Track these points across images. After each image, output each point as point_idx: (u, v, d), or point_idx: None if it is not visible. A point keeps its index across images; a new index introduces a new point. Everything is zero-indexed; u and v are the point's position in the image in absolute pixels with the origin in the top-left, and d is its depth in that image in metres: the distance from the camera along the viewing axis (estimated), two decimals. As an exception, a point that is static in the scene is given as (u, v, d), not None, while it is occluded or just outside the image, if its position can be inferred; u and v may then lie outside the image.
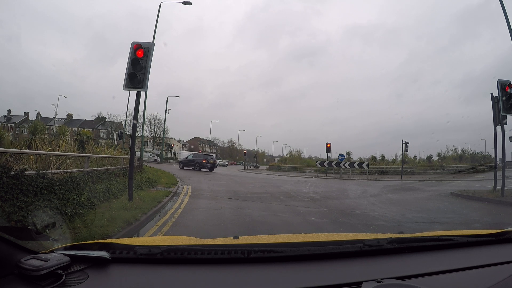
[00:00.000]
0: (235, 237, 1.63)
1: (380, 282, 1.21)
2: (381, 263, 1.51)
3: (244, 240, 1.64)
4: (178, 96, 53.95)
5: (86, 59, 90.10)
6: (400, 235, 1.73)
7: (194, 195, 10.51)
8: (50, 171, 6.99)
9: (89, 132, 17.83)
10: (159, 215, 6.80)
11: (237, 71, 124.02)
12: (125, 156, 14.31)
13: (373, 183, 21.15)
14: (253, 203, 9.15)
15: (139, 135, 27.23)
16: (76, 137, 16.75)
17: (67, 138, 16.05)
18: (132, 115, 9.83)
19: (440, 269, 1.43)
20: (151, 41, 8.34)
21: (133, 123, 7.26)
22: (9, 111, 63.38)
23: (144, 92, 7.00)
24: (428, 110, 76.10)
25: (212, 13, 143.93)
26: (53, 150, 9.93)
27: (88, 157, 8.83)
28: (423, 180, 25.24)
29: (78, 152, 12.30)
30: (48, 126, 42.45)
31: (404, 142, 30.01)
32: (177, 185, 12.96)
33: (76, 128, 50.53)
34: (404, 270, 1.41)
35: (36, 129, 13.42)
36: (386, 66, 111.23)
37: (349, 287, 1.24)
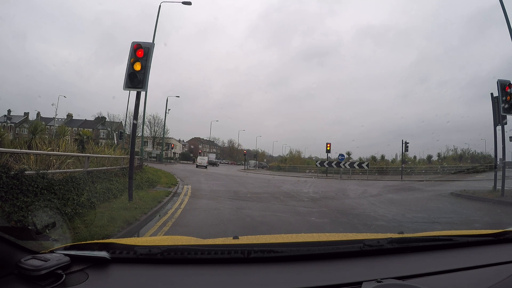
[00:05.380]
0: (235, 237, 1.63)
1: (380, 282, 1.20)
2: (381, 263, 1.51)
3: (244, 240, 1.64)
4: (178, 96, 53.60)
5: (91, 58, 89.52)
6: (400, 235, 1.73)
7: (194, 195, 10.53)
8: (50, 171, 6.99)
9: (89, 132, 17.80)
10: (159, 215, 6.80)
11: (246, 71, 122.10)
12: (125, 156, 14.22)
13: (373, 183, 21.15)
14: (253, 203, 9.16)
15: (139, 135, 27.20)
16: (76, 137, 16.69)
17: (67, 138, 16.04)
18: (132, 115, 9.85)
19: (440, 269, 1.43)
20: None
21: (133, 123, 7.27)
22: (9, 111, 63.23)
23: (144, 92, 6.99)
24: (430, 111, 75.78)
25: (225, 13, 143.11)
26: (53, 150, 9.86)
27: (88, 157, 8.83)
28: (423, 180, 25.18)
29: (78, 152, 12.29)
30: (48, 126, 42.41)
31: (404, 142, 30.01)
32: (177, 185, 12.99)
33: (76, 128, 50.39)
34: (404, 270, 1.41)
35: (36, 129, 13.35)
36: (394, 67, 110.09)
37: (349, 287, 1.23)
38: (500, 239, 1.81)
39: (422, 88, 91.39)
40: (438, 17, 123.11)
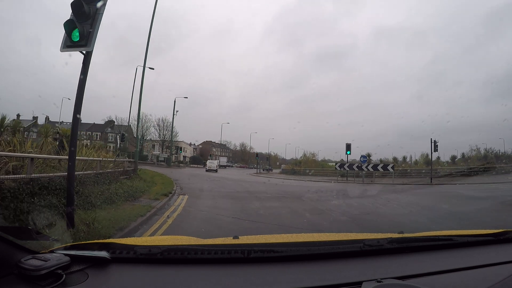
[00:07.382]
0: (235, 237, 1.61)
1: (380, 282, 1.19)
2: (381, 263, 1.49)
3: (244, 240, 1.63)
4: (186, 97, 51.19)
5: (105, 62, 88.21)
6: (400, 235, 1.70)
7: (186, 211, 7.60)
8: None
9: (69, 131, 15.58)
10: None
11: (260, 73, 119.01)
12: (111, 159, 11.88)
13: (407, 189, 18.14)
14: (267, 227, 6.12)
15: (146, 137, 25.12)
16: (56, 137, 14.44)
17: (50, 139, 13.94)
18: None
19: (440, 269, 1.41)
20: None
21: (74, 108, 4.55)
22: (18, 115, 62.56)
23: (90, 51, 4.28)
24: (444, 110, 72.14)
25: (240, 16, 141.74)
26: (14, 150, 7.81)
27: (32, 158, 6.17)
28: (456, 183, 22.35)
29: (55, 154, 9.94)
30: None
31: (433, 141, 26.74)
32: (170, 195, 10.13)
33: (84, 132, 49.04)
34: (404, 270, 1.39)
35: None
36: (408, 68, 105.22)
37: (349, 287, 1.21)
38: (500, 239, 1.79)
39: (443, 89, 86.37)
40: (453, 17, 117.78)
